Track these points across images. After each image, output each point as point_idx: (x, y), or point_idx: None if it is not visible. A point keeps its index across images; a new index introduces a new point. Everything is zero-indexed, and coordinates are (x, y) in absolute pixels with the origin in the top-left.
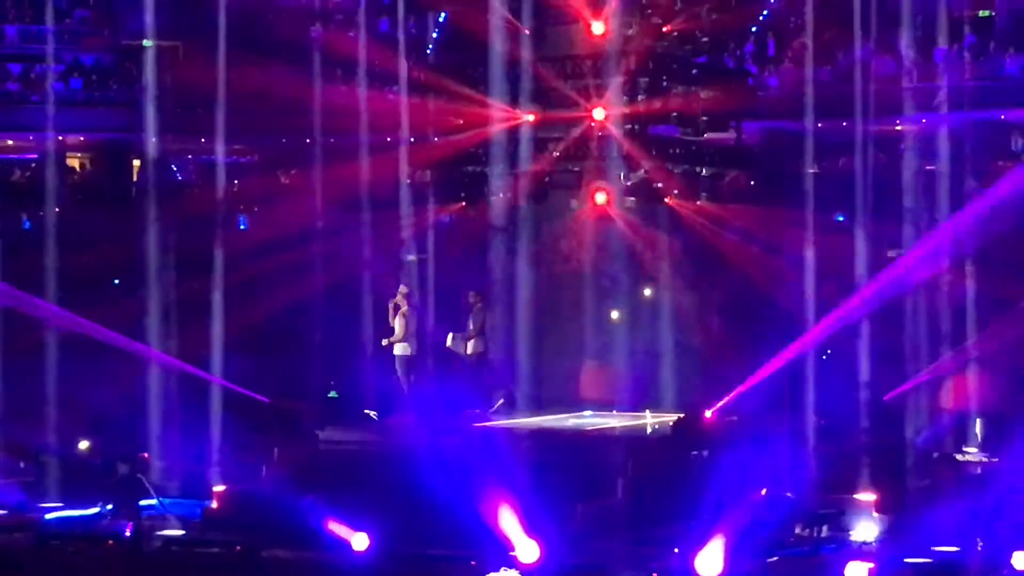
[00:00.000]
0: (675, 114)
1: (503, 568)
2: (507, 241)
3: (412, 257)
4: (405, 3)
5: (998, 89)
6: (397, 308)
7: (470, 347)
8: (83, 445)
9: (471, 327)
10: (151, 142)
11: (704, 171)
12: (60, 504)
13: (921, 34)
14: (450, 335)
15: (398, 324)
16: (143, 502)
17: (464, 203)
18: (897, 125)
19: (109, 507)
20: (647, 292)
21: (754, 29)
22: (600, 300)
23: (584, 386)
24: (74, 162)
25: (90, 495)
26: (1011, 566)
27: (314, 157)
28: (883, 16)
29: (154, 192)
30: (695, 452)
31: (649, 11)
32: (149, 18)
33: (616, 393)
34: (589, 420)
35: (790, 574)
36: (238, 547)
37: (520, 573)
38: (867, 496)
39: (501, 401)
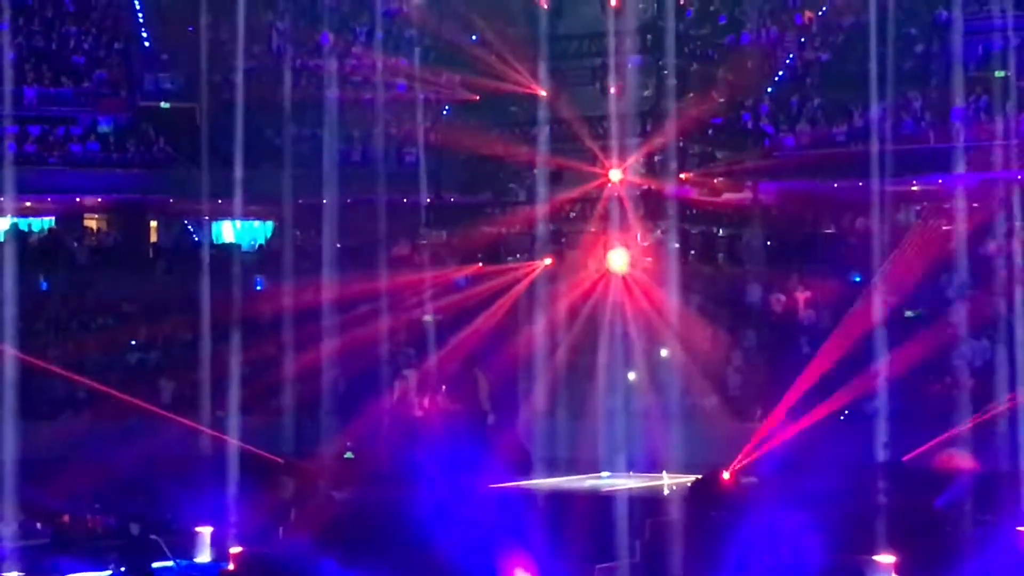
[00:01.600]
0: (691, 175)
1: None
2: (522, 301)
3: (428, 318)
4: (421, 65)
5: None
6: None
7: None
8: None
9: (466, 391)
10: (169, 203)
11: (721, 231)
12: (76, 566)
13: (936, 96)
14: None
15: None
16: (157, 564)
17: (480, 263)
18: (913, 185)
19: (123, 569)
20: (664, 352)
21: (770, 90)
22: (616, 361)
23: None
24: (91, 223)
25: (104, 557)
26: None
27: (330, 217)
28: (899, 76)
29: (171, 253)
30: (713, 513)
31: (666, 72)
32: (167, 81)
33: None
34: (606, 481)
35: None
36: None
37: None
38: (887, 558)
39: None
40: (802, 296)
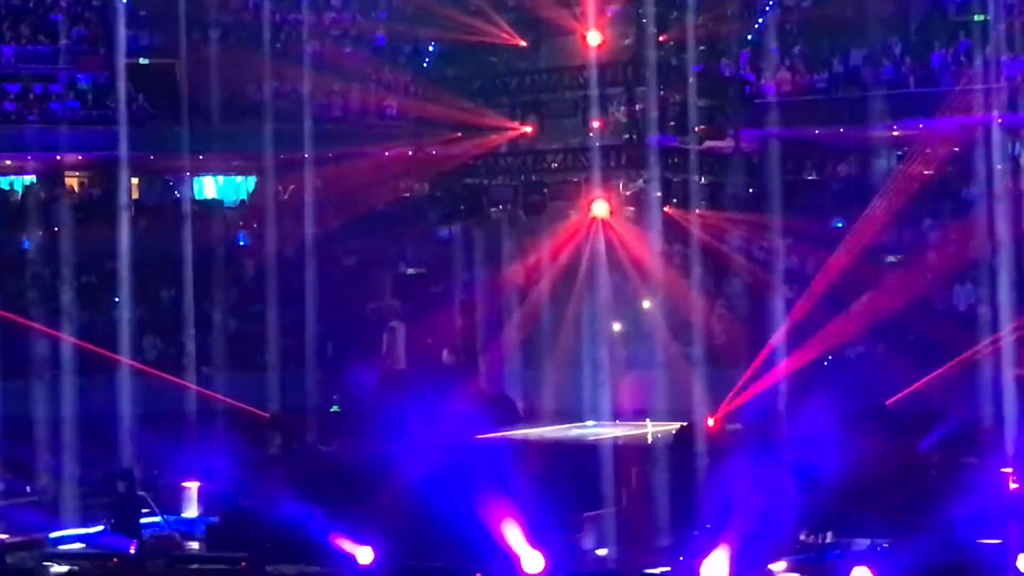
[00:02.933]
0: (673, 123)
1: None
2: (506, 253)
3: (411, 271)
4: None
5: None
6: (393, 333)
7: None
8: None
9: (460, 341)
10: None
11: (703, 179)
12: (64, 523)
13: (917, 39)
14: (444, 352)
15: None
16: (146, 519)
17: (463, 216)
18: (895, 131)
19: (112, 524)
20: (646, 304)
21: (750, 37)
22: (600, 311)
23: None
24: (72, 181)
25: (94, 514)
26: (1016, 568)
27: (312, 172)
28: (878, 22)
29: (153, 210)
30: (698, 460)
31: (645, 20)
32: (146, 37)
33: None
34: (592, 430)
35: None
36: (243, 563)
37: None
38: (871, 501)
39: None
40: (784, 243)
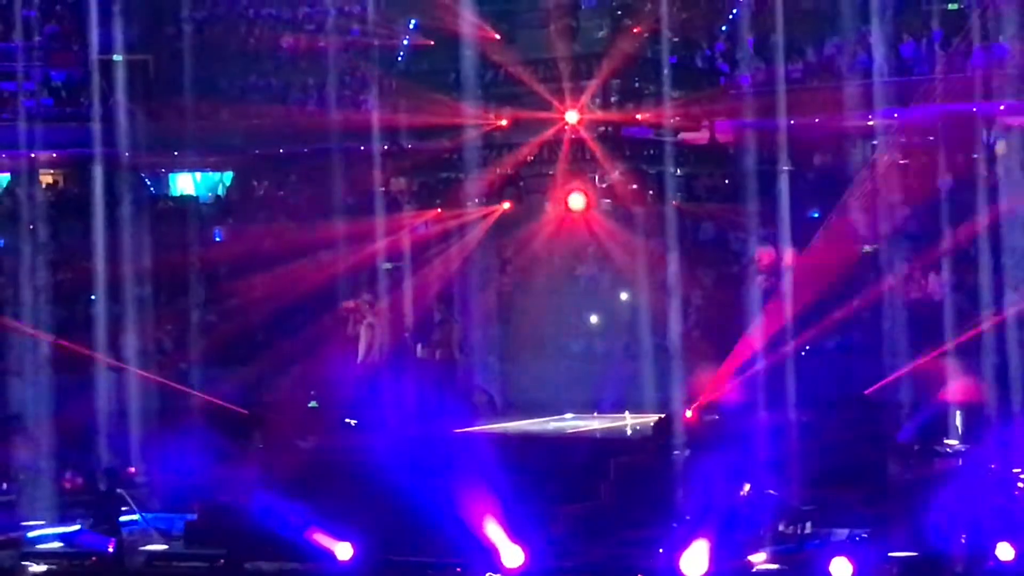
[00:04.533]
0: (648, 115)
1: (488, 573)
2: (483, 246)
3: (388, 265)
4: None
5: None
6: (358, 317)
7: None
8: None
9: (437, 336)
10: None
11: (678, 171)
12: (42, 522)
13: (891, 29)
14: (419, 346)
15: (364, 336)
16: (125, 517)
17: (439, 209)
18: (870, 120)
19: (90, 523)
20: (624, 296)
21: (724, 28)
22: (577, 303)
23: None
24: (47, 179)
25: (71, 512)
26: (995, 557)
27: (288, 167)
28: (852, 11)
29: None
30: (677, 452)
31: (619, 12)
32: (119, 32)
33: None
34: (570, 423)
35: (775, 572)
36: (221, 560)
37: None
38: (850, 491)
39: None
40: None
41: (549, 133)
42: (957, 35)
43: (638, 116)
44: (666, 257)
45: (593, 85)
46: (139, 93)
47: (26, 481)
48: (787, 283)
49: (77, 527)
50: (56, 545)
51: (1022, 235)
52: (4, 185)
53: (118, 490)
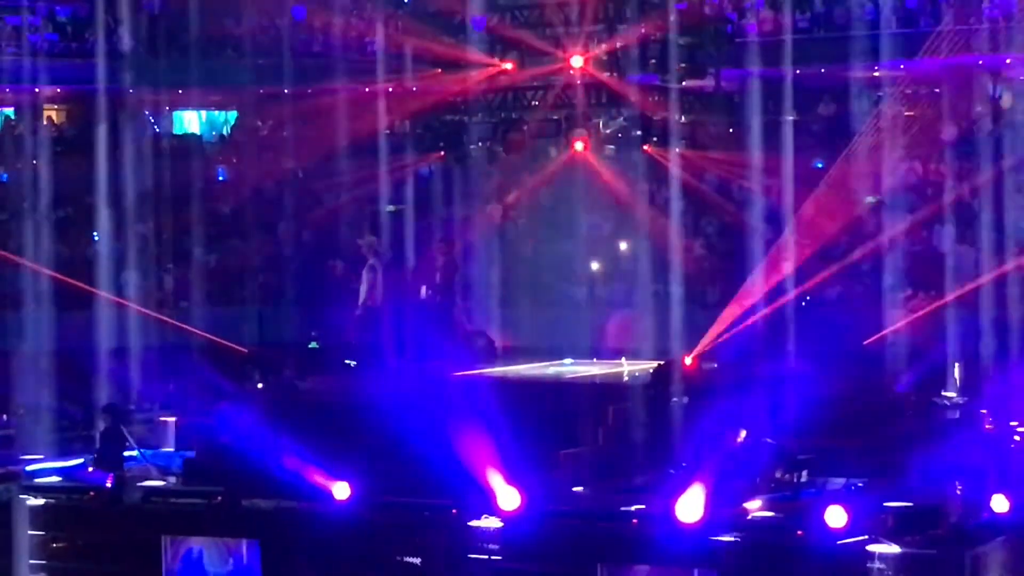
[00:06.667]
0: (653, 61)
1: (484, 516)
2: (486, 190)
3: (391, 208)
4: None
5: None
6: (373, 270)
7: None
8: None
9: (439, 278)
10: (128, 93)
11: (683, 118)
12: (41, 456)
13: None
14: (423, 288)
15: (366, 277)
16: (125, 453)
17: (443, 152)
18: (875, 71)
19: (92, 458)
20: (624, 245)
21: None
22: (579, 249)
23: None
24: (50, 114)
25: (71, 447)
26: (990, 508)
27: (292, 106)
28: None
29: (131, 144)
30: (675, 399)
31: None
32: None
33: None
34: (569, 368)
35: (770, 519)
36: (219, 498)
37: (501, 521)
38: (847, 441)
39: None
40: (764, 183)
41: (554, 77)
42: None
43: (643, 61)
44: (668, 204)
45: (599, 30)
46: (144, 30)
47: (25, 415)
48: (789, 232)
49: (77, 462)
50: (55, 479)
51: None
52: (7, 119)
53: (118, 426)
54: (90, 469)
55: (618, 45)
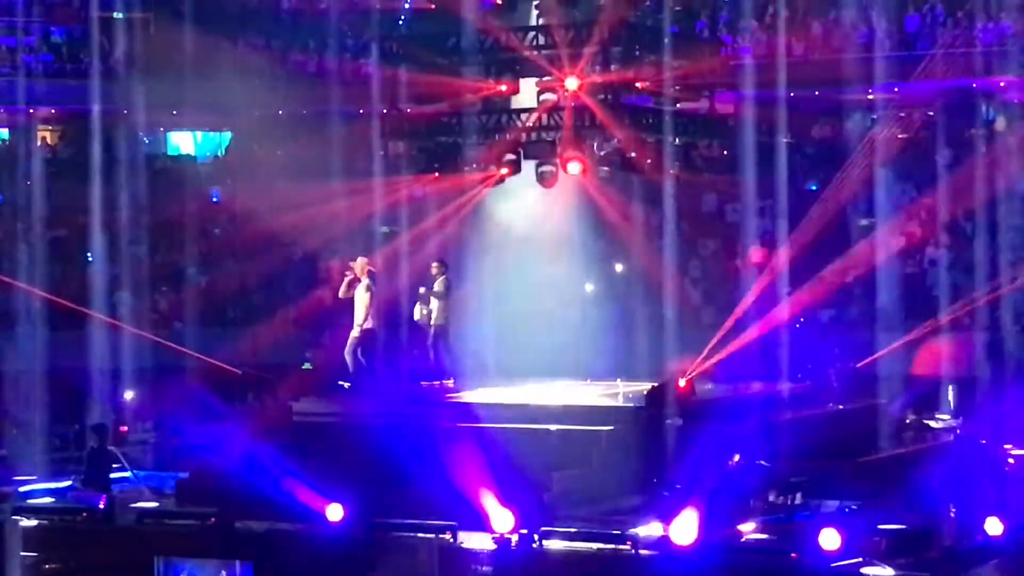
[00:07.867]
0: (648, 84)
1: (477, 537)
2: (481, 212)
3: (385, 229)
4: None
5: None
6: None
7: (433, 317)
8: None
9: (432, 297)
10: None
11: (677, 140)
12: (34, 477)
13: (894, 2)
14: (417, 306)
15: (363, 300)
16: (116, 475)
17: (438, 174)
18: (870, 94)
19: (82, 479)
20: (618, 267)
21: None
22: (574, 271)
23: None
24: (46, 134)
25: (63, 468)
26: (984, 531)
27: (287, 129)
28: None
29: (126, 165)
30: (668, 421)
31: None
32: None
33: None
34: (563, 390)
35: (764, 541)
36: (212, 519)
37: (494, 542)
38: (840, 463)
39: None
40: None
41: (548, 100)
42: (959, 11)
43: (638, 84)
44: (663, 226)
45: (594, 52)
46: (139, 51)
47: (18, 436)
48: (782, 255)
49: (68, 483)
50: (47, 500)
51: (1019, 211)
52: (2, 141)
53: (109, 447)
54: (77, 486)
55: (612, 67)
